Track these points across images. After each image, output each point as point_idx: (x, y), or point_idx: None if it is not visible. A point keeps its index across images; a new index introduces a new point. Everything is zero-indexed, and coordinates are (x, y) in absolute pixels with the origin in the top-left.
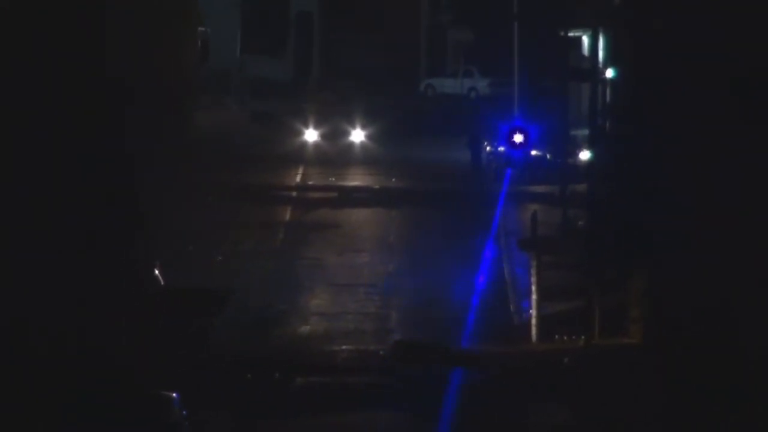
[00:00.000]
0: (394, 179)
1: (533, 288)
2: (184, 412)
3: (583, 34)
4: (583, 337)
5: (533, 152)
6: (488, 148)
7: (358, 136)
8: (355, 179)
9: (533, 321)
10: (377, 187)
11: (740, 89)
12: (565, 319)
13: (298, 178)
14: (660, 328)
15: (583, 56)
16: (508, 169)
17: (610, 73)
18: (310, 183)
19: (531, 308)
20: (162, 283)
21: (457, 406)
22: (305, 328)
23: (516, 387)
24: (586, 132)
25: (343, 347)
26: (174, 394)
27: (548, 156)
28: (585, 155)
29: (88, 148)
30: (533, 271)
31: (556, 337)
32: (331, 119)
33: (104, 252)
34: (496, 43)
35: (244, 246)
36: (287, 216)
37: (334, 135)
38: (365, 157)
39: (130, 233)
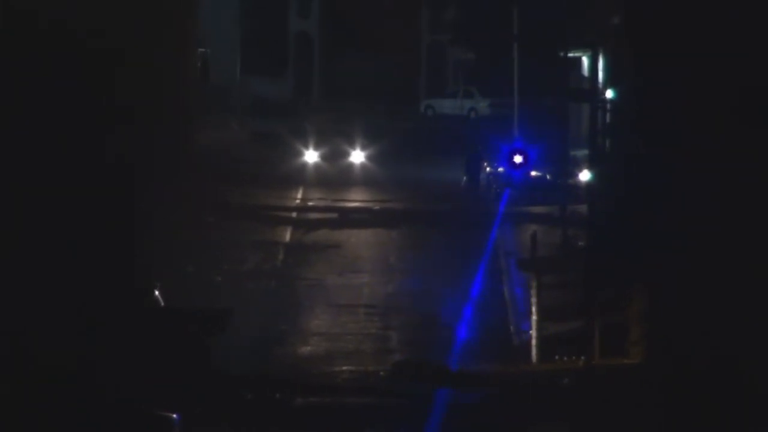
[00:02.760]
0: (393, 200)
1: (533, 308)
2: None
3: (583, 55)
4: (583, 357)
5: (533, 173)
6: (488, 169)
7: (357, 156)
8: (355, 200)
9: (533, 341)
10: (377, 207)
11: (743, 108)
12: (565, 339)
13: (298, 199)
14: (660, 349)
15: (582, 77)
16: (507, 190)
17: (609, 93)
18: (310, 203)
19: (531, 328)
20: (162, 303)
21: (457, 427)
22: (306, 349)
23: (516, 407)
24: (586, 152)
25: (344, 368)
26: (174, 415)
27: (548, 176)
28: (585, 175)
29: (88, 168)
30: (533, 292)
31: (556, 357)
32: (330, 139)
33: (104, 273)
34: (496, 63)
35: (243, 266)
36: (287, 236)
37: (333, 155)
38: (365, 178)
39: (130, 254)
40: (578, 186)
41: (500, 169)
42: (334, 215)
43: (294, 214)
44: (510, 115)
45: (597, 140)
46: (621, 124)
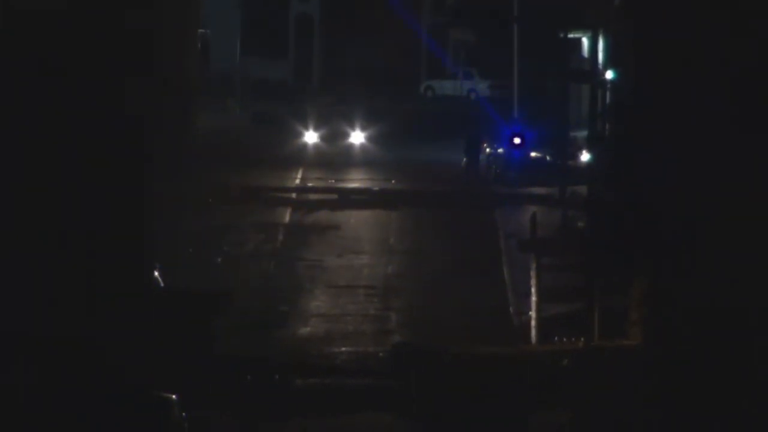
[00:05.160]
0: (393, 181)
1: (533, 290)
2: (184, 414)
3: (583, 36)
4: (582, 338)
5: (533, 154)
6: (488, 150)
7: (357, 137)
8: (355, 181)
9: (533, 323)
10: (377, 188)
11: (741, 91)
12: (565, 320)
13: (297, 180)
14: (660, 330)
15: (582, 58)
16: (507, 171)
17: (609, 74)
18: (309, 185)
19: (531, 310)
20: (162, 285)
21: (456, 408)
22: (305, 330)
23: (516, 389)
24: (585, 133)
25: (343, 349)
26: (174, 396)
27: (548, 157)
28: (585, 157)
29: (89, 150)
30: (533, 273)
31: (556, 338)
32: (331, 121)
33: (105, 254)
34: (496, 44)
35: (243, 248)
36: (287, 217)
37: (334, 136)
38: (365, 159)
39: (131, 235)
40: (578, 167)
41: (500, 150)
42: (334, 196)
43: (294, 195)
44: (510, 96)
45: (597, 121)
46: (621, 105)
